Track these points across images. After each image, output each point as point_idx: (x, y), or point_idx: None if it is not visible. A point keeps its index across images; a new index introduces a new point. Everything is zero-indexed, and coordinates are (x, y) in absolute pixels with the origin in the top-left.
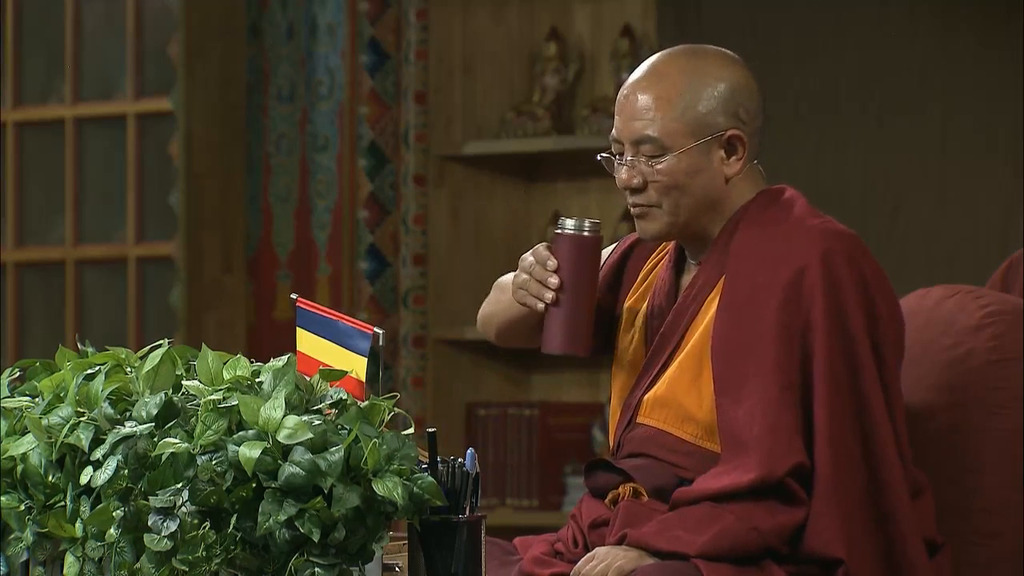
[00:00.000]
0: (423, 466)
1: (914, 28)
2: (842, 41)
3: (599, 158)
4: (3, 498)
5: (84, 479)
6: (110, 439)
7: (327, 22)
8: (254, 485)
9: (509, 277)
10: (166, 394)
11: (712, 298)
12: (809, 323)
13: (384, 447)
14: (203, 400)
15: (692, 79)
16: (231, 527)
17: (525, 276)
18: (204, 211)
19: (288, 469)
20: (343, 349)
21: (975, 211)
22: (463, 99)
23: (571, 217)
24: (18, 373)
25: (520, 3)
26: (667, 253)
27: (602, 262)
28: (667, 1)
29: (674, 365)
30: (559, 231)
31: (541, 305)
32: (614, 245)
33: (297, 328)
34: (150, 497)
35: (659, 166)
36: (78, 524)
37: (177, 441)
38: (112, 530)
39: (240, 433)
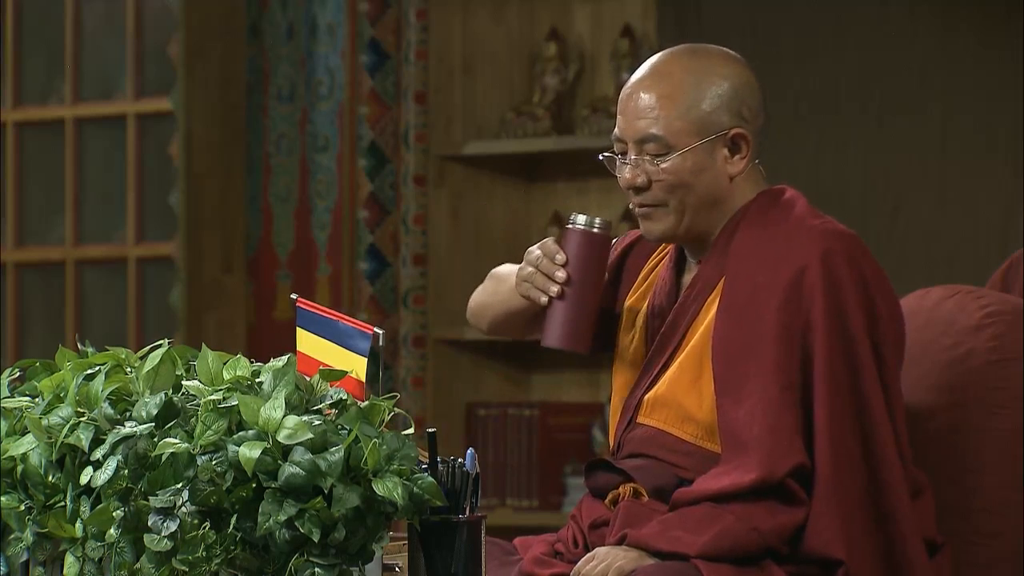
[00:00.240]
0: (423, 466)
1: (914, 28)
2: (842, 41)
3: (601, 157)
4: (3, 498)
5: (84, 479)
6: (110, 439)
7: (327, 22)
8: (254, 485)
9: (506, 267)
10: (166, 394)
11: (712, 298)
12: (809, 323)
13: (384, 447)
14: (203, 400)
15: (696, 78)
16: (231, 527)
17: (531, 269)
18: (204, 211)
19: (288, 469)
20: (343, 349)
21: (975, 211)
22: (463, 99)
23: (583, 213)
24: (18, 373)
25: (520, 3)
26: (668, 252)
27: None
28: (667, 1)
29: (674, 365)
30: (570, 225)
31: (544, 298)
32: (614, 242)
33: (297, 328)
34: (150, 497)
35: (664, 165)
36: (78, 524)
37: (177, 441)
38: (112, 530)
39: (240, 433)
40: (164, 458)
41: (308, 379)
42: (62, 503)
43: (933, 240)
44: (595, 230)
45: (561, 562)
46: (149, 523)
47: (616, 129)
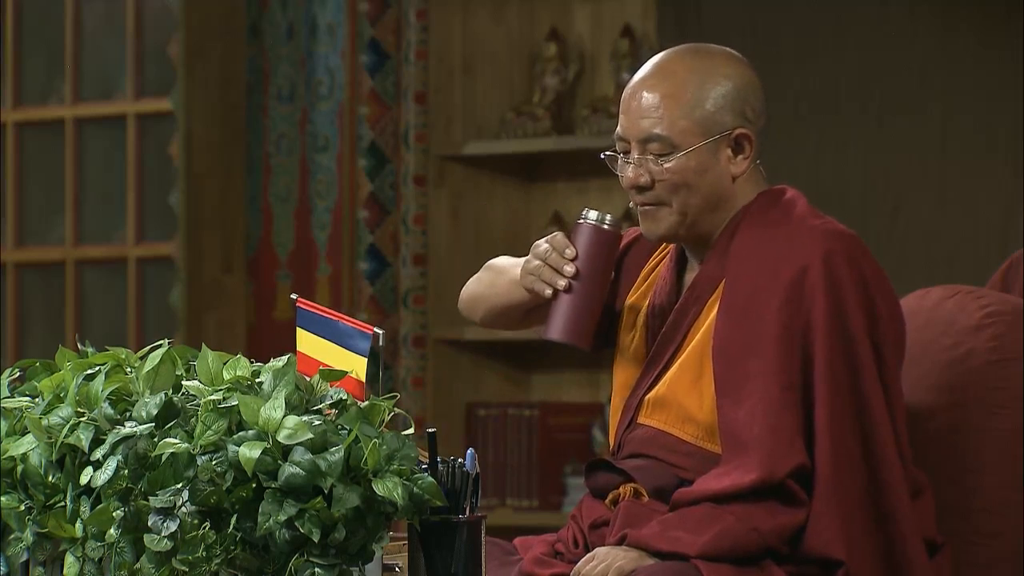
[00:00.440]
0: (423, 466)
1: (914, 28)
2: (842, 41)
3: (603, 156)
4: (3, 498)
5: (84, 479)
6: (110, 439)
7: (327, 22)
8: (254, 485)
9: (503, 260)
10: (166, 394)
11: (713, 299)
12: (810, 323)
13: (384, 447)
14: (203, 400)
15: (700, 77)
16: (231, 527)
17: (538, 262)
18: (204, 211)
19: (288, 469)
20: (343, 349)
21: (975, 211)
22: (463, 99)
23: (595, 209)
24: (18, 373)
25: (520, 3)
26: (668, 252)
27: None
28: (667, 1)
29: (675, 366)
30: (581, 220)
31: (549, 291)
32: None
33: (297, 328)
34: (150, 497)
35: (668, 164)
36: (78, 524)
37: (177, 441)
38: (112, 530)
39: (240, 433)
40: (164, 458)
41: (308, 379)
42: (62, 503)
43: (933, 240)
44: (606, 226)
45: (561, 562)
46: (149, 523)
47: (618, 128)
